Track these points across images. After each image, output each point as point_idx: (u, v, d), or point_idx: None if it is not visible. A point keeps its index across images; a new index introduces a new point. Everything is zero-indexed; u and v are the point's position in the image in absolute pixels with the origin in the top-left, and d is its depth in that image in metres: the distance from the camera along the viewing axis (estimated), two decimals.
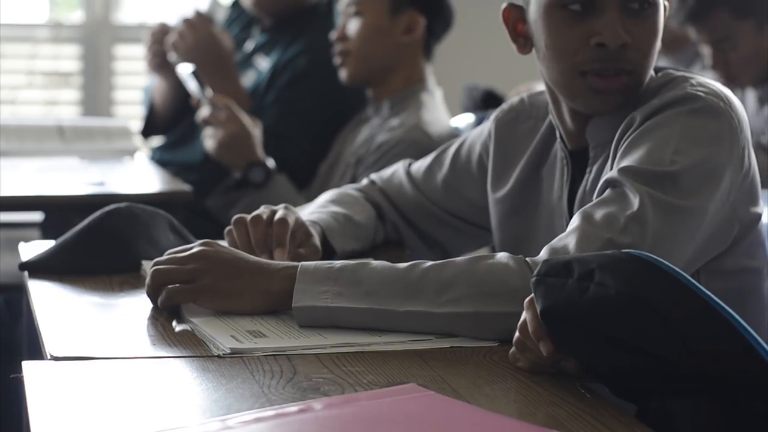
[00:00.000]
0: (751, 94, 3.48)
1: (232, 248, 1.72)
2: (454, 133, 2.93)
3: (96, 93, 4.96)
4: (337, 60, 3.00)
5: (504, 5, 1.85)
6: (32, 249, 1.97)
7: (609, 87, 1.76)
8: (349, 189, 2.16)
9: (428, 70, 3.02)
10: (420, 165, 2.13)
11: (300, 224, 1.88)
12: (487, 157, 2.02)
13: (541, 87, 1.96)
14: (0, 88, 4.85)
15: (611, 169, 1.74)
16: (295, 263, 1.66)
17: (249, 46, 3.36)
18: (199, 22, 3.21)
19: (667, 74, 1.82)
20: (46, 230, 3.18)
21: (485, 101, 3.90)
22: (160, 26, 3.32)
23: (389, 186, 2.15)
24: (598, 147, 1.82)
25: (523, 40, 1.84)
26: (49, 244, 1.96)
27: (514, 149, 1.98)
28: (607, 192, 1.68)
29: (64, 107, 5.03)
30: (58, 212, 3.03)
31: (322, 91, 3.16)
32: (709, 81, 1.79)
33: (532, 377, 1.43)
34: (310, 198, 2.93)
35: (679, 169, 1.67)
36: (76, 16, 5.08)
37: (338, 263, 1.65)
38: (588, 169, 1.83)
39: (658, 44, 1.79)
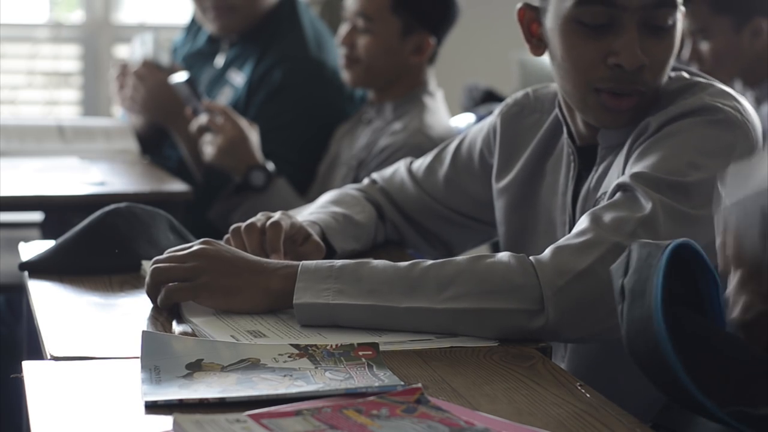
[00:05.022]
0: (749, 95, 3.49)
1: (231, 247, 1.72)
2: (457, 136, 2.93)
3: (96, 93, 4.96)
4: (341, 61, 3.01)
5: (519, 5, 1.84)
6: (32, 249, 1.97)
7: (621, 106, 1.76)
8: (349, 189, 2.16)
9: (430, 72, 3.02)
10: (421, 163, 2.13)
11: (298, 227, 1.87)
12: (489, 151, 2.02)
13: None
14: (0, 88, 4.85)
15: (622, 170, 1.74)
16: (296, 262, 1.66)
17: (219, 61, 3.36)
18: (147, 73, 3.26)
19: (681, 78, 1.81)
20: (46, 230, 3.18)
21: (485, 101, 3.90)
22: (121, 68, 3.34)
23: (390, 185, 2.14)
24: (608, 148, 1.82)
25: (536, 41, 1.83)
26: (49, 244, 1.96)
27: (519, 142, 1.97)
28: (618, 195, 1.67)
29: (64, 107, 5.03)
30: (58, 212, 3.03)
31: (302, 101, 3.16)
32: (727, 89, 1.77)
33: (532, 377, 1.43)
34: (310, 201, 2.94)
35: (692, 180, 1.66)
36: (76, 16, 5.08)
37: (339, 262, 1.65)
38: (595, 168, 1.83)
39: (674, 59, 1.79)
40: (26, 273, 1.89)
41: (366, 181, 2.19)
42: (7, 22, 4.86)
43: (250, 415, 1.21)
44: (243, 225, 1.84)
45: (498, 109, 2.04)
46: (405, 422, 1.22)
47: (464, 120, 3.15)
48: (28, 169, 3.06)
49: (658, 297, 1.28)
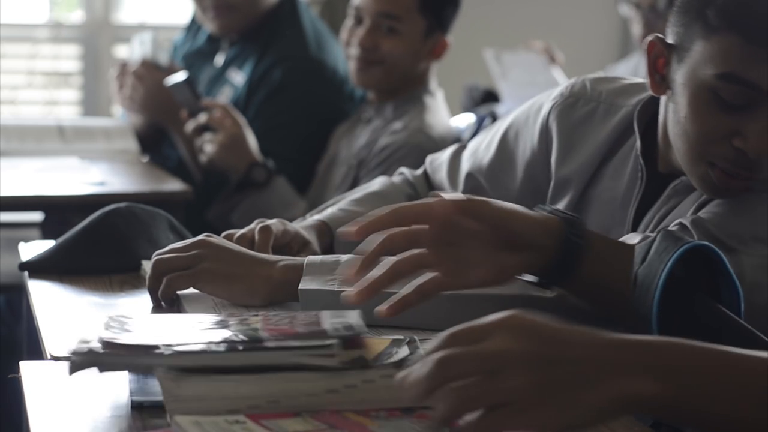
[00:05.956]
0: None
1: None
2: (457, 136, 2.94)
3: (96, 93, 4.96)
4: (355, 63, 2.98)
5: (651, 38, 1.70)
6: (32, 249, 1.97)
7: (730, 186, 1.64)
8: (404, 180, 2.09)
9: (432, 71, 3.02)
10: (470, 159, 2.04)
11: (293, 234, 1.86)
12: (544, 145, 1.91)
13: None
14: (0, 88, 4.86)
15: (690, 210, 1.68)
16: (299, 258, 1.66)
17: (219, 60, 3.36)
18: (145, 72, 3.27)
19: None
20: (46, 230, 3.19)
21: (485, 101, 3.91)
22: (121, 68, 3.35)
23: (434, 179, 2.08)
24: (680, 184, 1.74)
25: (660, 79, 1.69)
26: (49, 244, 1.96)
27: (576, 135, 1.87)
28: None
29: (64, 107, 5.04)
30: (58, 212, 3.04)
31: (302, 101, 3.16)
32: None
33: None
34: (310, 201, 2.94)
35: (749, 252, 1.58)
36: (76, 16, 5.09)
37: (345, 257, 1.65)
38: (664, 198, 1.75)
39: None
40: (26, 273, 1.89)
41: (420, 170, 2.13)
42: (7, 22, 4.86)
43: (249, 416, 1.21)
44: (235, 235, 1.82)
45: (549, 102, 1.91)
46: (404, 422, 1.23)
47: (464, 120, 3.15)
48: (28, 169, 3.06)
49: (656, 301, 1.28)
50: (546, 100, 1.93)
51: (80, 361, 1.27)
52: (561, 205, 1.90)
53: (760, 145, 1.59)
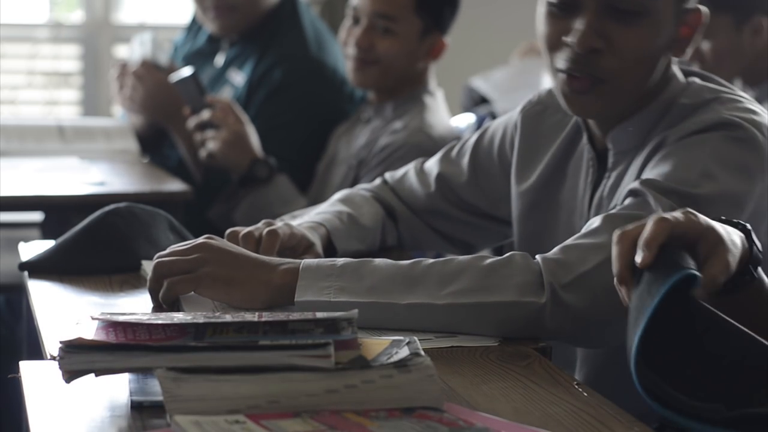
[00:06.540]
0: (749, 94, 3.49)
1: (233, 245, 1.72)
2: (457, 135, 2.93)
3: (96, 93, 4.96)
4: (352, 63, 2.98)
5: None
6: (32, 249, 1.97)
7: (575, 89, 1.76)
8: (360, 189, 2.14)
9: (431, 71, 3.02)
10: (433, 164, 2.10)
11: (299, 237, 1.86)
12: (512, 149, 1.99)
13: None
14: (0, 88, 4.86)
15: (635, 180, 1.72)
16: (298, 260, 1.67)
17: (219, 60, 3.37)
18: (145, 73, 3.27)
19: (703, 89, 1.78)
20: (46, 230, 3.19)
21: (485, 101, 3.90)
22: (121, 68, 3.35)
23: (401, 186, 2.11)
24: (620, 153, 1.80)
25: None
26: (49, 244, 1.96)
27: (540, 142, 1.94)
28: (629, 200, 1.67)
29: (64, 107, 5.04)
30: (58, 212, 3.03)
31: (302, 101, 3.16)
32: (751, 105, 1.74)
33: (529, 376, 1.44)
34: (310, 200, 2.94)
35: (702, 193, 1.64)
36: (76, 16, 5.09)
37: (341, 260, 1.65)
38: (607, 174, 1.81)
39: (655, 53, 1.76)
40: (26, 273, 1.89)
41: (378, 180, 2.17)
42: (7, 22, 4.86)
43: (249, 416, 1.21)
44: (241, 233, 1.83)
45: (520, 105, 2.01)
46: (404, 422, 1.23)
47: (464, 120, 3.15)
48: (28, 169, 3.06)
49: (638, 337, 1.26)
50: (517, 109, 2.00)
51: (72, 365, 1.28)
52: (528, 208, 1.93)
53: (585, 39, 1.72)
